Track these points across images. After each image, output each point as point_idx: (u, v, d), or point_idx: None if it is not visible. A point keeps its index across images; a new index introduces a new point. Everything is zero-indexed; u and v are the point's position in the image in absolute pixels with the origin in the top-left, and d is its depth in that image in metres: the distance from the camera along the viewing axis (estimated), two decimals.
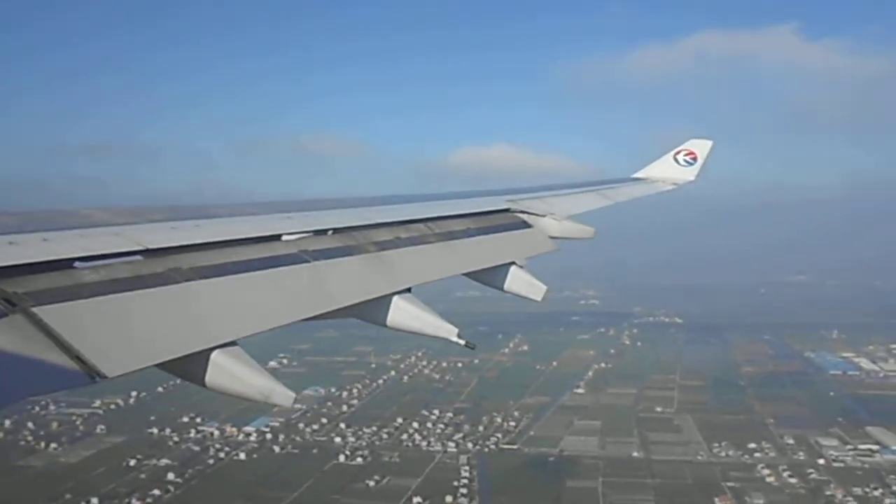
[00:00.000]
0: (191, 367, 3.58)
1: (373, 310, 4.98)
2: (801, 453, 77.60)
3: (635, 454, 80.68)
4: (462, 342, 5.19)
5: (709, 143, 13.89)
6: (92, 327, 3.25)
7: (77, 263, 3.61)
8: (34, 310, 3.13)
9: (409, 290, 5.20)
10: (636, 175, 13.38)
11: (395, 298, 5.01)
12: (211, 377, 3.61)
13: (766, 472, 72.46)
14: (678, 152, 13.62)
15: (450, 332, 5.07)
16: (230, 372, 3.62)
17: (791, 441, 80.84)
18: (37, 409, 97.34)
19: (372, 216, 5.96)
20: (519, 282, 6.53)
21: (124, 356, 3.27)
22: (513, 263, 6.58)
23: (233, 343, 3.70)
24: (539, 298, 6.57)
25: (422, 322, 5.08)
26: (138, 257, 3.93)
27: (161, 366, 3.47)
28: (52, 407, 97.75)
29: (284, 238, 4.98)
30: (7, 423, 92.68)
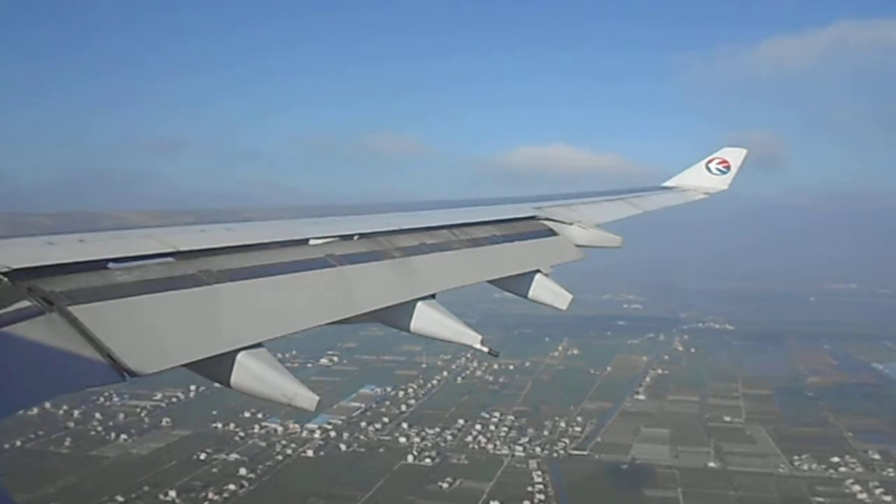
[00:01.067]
0: (217, 367, 3.64)
1: (397, 315, 5.00)
2: (889, 469, 75.69)
3: (711, 464, 79.34)
4: (485, 349, 5.21)
5: (743, 152, 13.44)
6: (124, 327, 3.32)
7: (111, 264, 3.69)
8: (70, 308, 3.21)
9: (433, 296, 5.20)
10: (666, 184, 13.07)
11: (419, 304, 5.01)
12: (236, 378, 3.67)
13: (857, 488, 70.73)
14: (710, 160, 13.22)
15: (473, 339, 5.06)
16: (255, 374, 3.67)
17: (877, 456, 78.96)
18: (101, 399, 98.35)
19: (398, 222, 5.98)
20: (544, 290, 6.47)
21: (154, 355, 3.34)
22: (538, 271, 6.54)
23: (258, 345, 3.76)
24: (564, 307, 6.52)
25: (445, 328, 5.07)
26: (169, 259, 4.00)
27: (189, 366, 3.53)
28: (115, 398, 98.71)
29: (312, 242, 5.05)
30: (76, 413, 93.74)
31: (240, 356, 3.68)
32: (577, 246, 7.70)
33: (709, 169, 13.19)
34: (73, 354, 3.06)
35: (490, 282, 6.32)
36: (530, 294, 6.54)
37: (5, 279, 3.21)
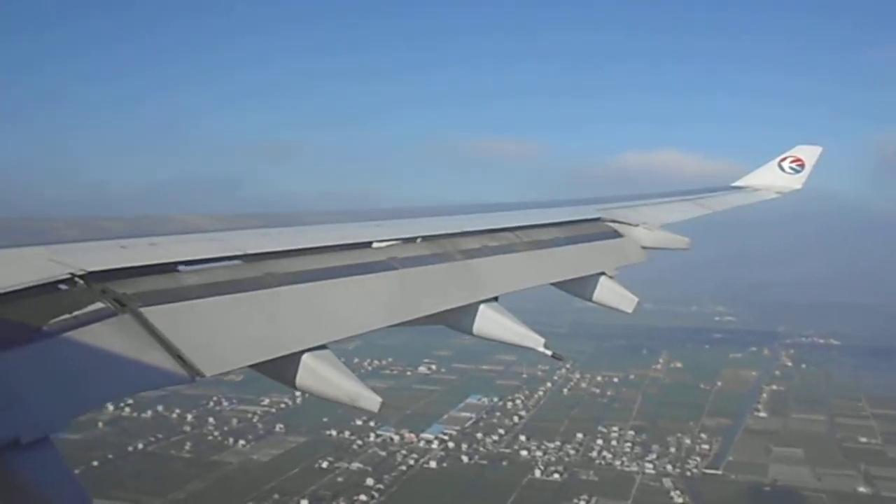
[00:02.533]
0: (283, 369, 3.67)
1: (460, 317, 4.99)
2: None
3: (861, 489, 74.47)
4: (549, 353, 5.12)
5: (818, 150, 12.97)
6: (193, 328, 3.39)
7: (181, 267, 3.76)
8: (141, 310, 3.28)
9: (496, 298, 5.14)
10: (736, 183, 12.56)
11: (482, 307, 4.99)
12: (301, 379, 3.69)
13: None
14: (783, 159, 12.74)
15: (536, 342, 5.02)
16: (320, 375, 3.68)
17: None
18: (211, 404, 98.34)
19: (460, 224, 5.92)
20: (609, 293, 6.33)
21: (221, 356, 3.38)
22: (602, 274, 6.38)
23: (323, 347, 3.77)
24: (630, 311, 6.37)
25: (508, 331, 5.02)
26: (236, 262, 4.06)
27: (255, 366, 3.57)
28: (224, 403, 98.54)
29: (375, 245, 5.02)
30: (189, 417, 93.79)
31: (304, 357, 3.69)
32: (643, 248, 7.47)
33: (782, 167, 12.71)
34: (145, 355, 3.11)
35: (553, 284, 6.18)
36: (595, 297, 6.40)
37: (81, 281, 3.27)
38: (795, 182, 12.68)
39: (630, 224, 7.73)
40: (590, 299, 6.48)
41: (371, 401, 3.77)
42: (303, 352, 3.70)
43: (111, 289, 3.33)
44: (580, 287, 6.42)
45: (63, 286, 3.26)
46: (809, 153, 12.93)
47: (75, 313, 3.10)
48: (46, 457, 2.55)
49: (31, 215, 4.89)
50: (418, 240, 5.41)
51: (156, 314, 3.32)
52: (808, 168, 12.73)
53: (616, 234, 7.46)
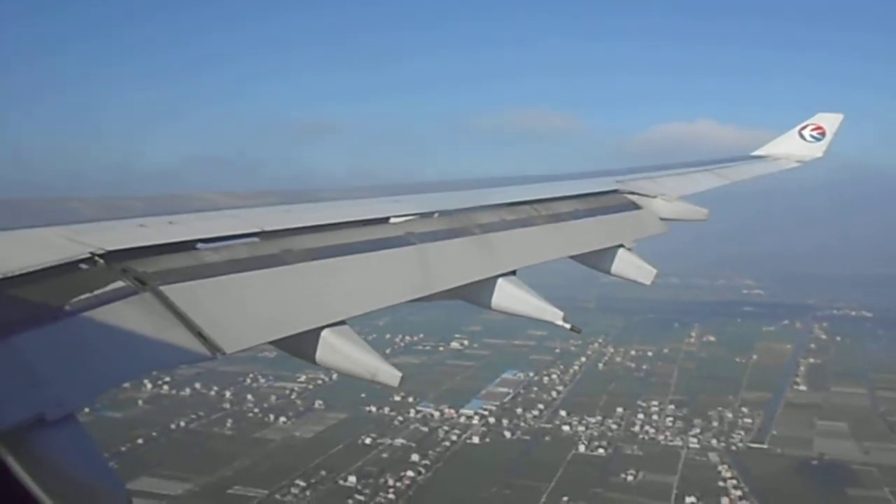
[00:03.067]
0: (302, 344, 3.69)
1: (478, 292, 5.01)
2: None
3: None
4: (568, 326, 5.13)
5: (839, 117, 12.69)
6: (213, 305, 3.39)
7: (199, 245, 3.77)
8: (162, 288, 3.29)
9: (514, 272, 5.13)
10: (756, 152, 12.35)
11: (500, 281, 5.00)
12: (321, 354, 3.71)
13: None
14: (804, 127, 12.50)
15: (555, 315, 5.01)
16: (339, 350, 3.71)
17: None
18: (247, 381, 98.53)
19: (478, 198, 5.96)
20: (627, 265, 6.32)
21: (242, 333, 3.40)
22: (621, 246, 6.37)
23: (342, 322, 3.78)
24: (648, 282, 6.36)
25: (527, 305, 5.02)
26: (255, 239, 4.06)
27: (275, 343, 3.59)
28: (262, 380, 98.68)
29: (392, 220, 5.01)
30: (228, 394, 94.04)
31: (324, 333, 3.70)
32: (662, 219, 7.39)
33: (802, 136, 12.48)
34: (166, 333, 3.13)
35: (572, 257, 6.15)
36: (613, 269, 6.37)
37: (101, 261, 3.29)
38: (816, 150, 12.44)
39: (648, 196, 7.63)
40: (608, 272, 6.44)
41: (391, 375, 3.81)
42: (322, 328, 3.71)
43: (131, 267, 3.34)
44: (598, 260, 6.40)
45: (83, 265, 3.26)
46: (830, 121, 12.66)
47: (96, 292, 3.10)
48: (73, 433, 2.53)
49: (51, 195, 4.79)
50: (436, 214, 5.38)
51: (176, 292, 3.33)
52: (828, 136, 12.51)
53: (634, 206, 7.38)
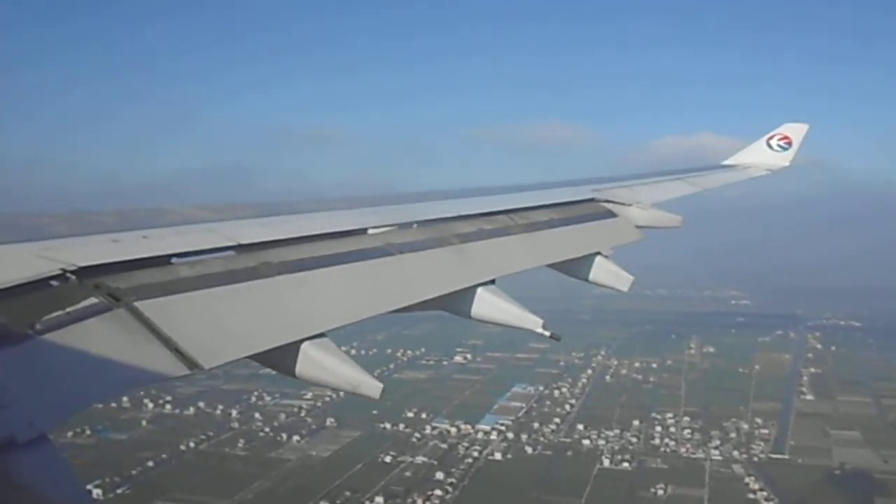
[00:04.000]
0: (282, 358, 3.65)
1: (458, 302, 5.00)
2: None
3: None
4: (547, 333, 5.10)
5: (805, 127, 13.17)
6: (189, 321, 3.35)
7: (174, 259, 3.72)
8: (136, 304, 3.24)
9: (492, 281, 5.16)
10: (726, 162, 12.69)
11: (480, 290, 5.01)
12: (301, 368, 3.66)
13: None
14: (771, 137, 12.90)
15: (535, 323, 5.00)
16: (320, 363, 3.66)
17: None
18: (253, 399, 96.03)
19: (455, 208, 5.94)
20: (604, 272, 6.39)
21: (219, 348, 3.35)
22: (598, 254, 6.45)
23: (321, 335, 3.74)
24: (626, 289, 6.42)
25: (506, 313, 5.04)
26: (231, 252, 4.02)
27: (254, 357, 3.55)
28: (267, 398, 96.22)
29: (370, 231, 5.01)
30: (234, 412, 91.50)
31: (304, 346, 3.65)
32: (637, 227, 7.49)
33: (770, 145, 12.89)
34: (142, 349, 3.08)
35: (550, 265, 6.18)
36: (591, 277, 6.44)
37: (73, 277, 3.22)
38: (783, 159, 12.78)
39: (624, 204, 7.72)
40: (586, 279, 6.50)
41: (372, 387, 3.75)
42: (302, 340, 3.66)
43: (105, 283, 3.27)
44: (576, 268, 6.43)
45: (55, 282, 3.18)
46: (796, 131, 13.08)
47: (68, 309, 3.04)
48: (44, 455, 2.50)
49: (20, 211, 4.77)
50: (414, 225, 5.39)
51: (151, 308, 3.27)
52: (795, 145, 12.87)
53: (610, 214, 7.46)
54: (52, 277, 3.19)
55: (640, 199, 8.03)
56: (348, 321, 4.07)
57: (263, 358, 3.63)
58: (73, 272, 3.25)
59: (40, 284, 3.12)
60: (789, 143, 12.96)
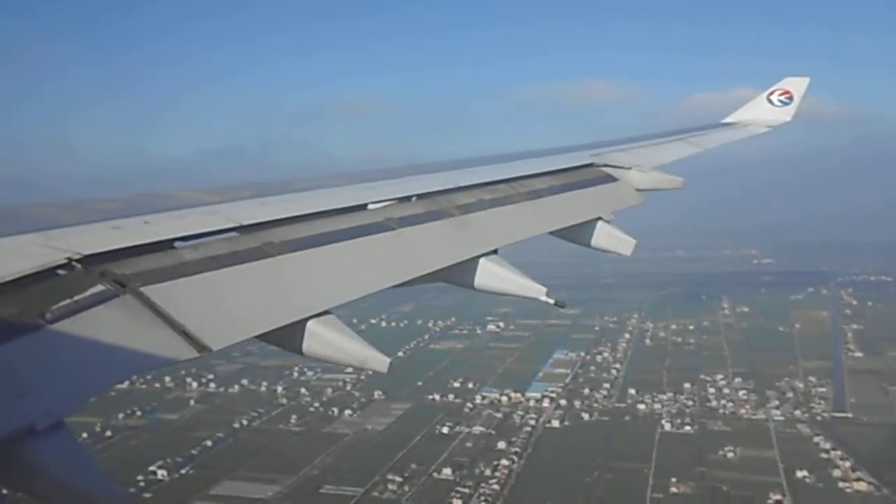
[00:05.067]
0: (289, 337, 3.68)
1: (460, 273, 4.99)
2: None
3: None
4: (552, 301, 5.04)
5: (805, 81, 12.85)
6: (195, 304, 3.37)
7: (177, 243, 3.74)
8: (142, 289, 3.27)
9: (495, 251, 5.16)
10: (726, 119, 12.50)
11: (482, 261, 5.01)
12: (308, 346, 3.70)
13: None
14: (772, 92, 12.59)
15: (539, 291, 4.98)
16: (326, 340, 3.70)
17: None
18: (294, 374, 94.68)
19: (454, 179, 5.94)
20: (606, 237, 6.38)
21: (226, 329, 3.37)
22: (599, 219, 6.41)
23: (327, 312, 3.77)
24: (628, 253, 6.40)
25: (510, 283, 5.03)
26: (233, 234, 4.03)
27: (261, 337, 3.57)
28: (309, 373, 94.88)
29: (370, 207, 5.03)
30: (279, 389, 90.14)
31: (309, 324, 3.69)
32: (638, 190, 7.38)
33: (770, 101, 12.57)
34: (151, 333, 3.11)
35: (552, 233, 6.15)
36: (593, 242, 6.37)
37: (79, 265, 3.26)
38: (785, 115, 12.49)
39: (623, 167, 7.64)
40: (588, 245, 6.42)
41: (380, 362, 3.77)
42: (307, 318, 3.68)
43: (110, 270, 3.30)
44: (578, 234, 6.38)
45: (61, 271, 3.22)
46: (797, 85, 12.78)
47: (76, 298, 3.08)
48: (62, 441, 2.55)
49: (25, 202, 4.73)
50: (413, 198, 5.35)
51: (157, 292, 3.30)
52: (796, 100, 12.57)
53: (610, 179, 7.41)
54: (59, 267, 3.19)
55: (639, 162, 7.87)
56: (352, 297, 4.03)
57: (270, 337, 3.61)
58: (78, 261, 3.25)
59: (47, 274, 3.13)
60: (790, 98, 12.63)
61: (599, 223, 6.37)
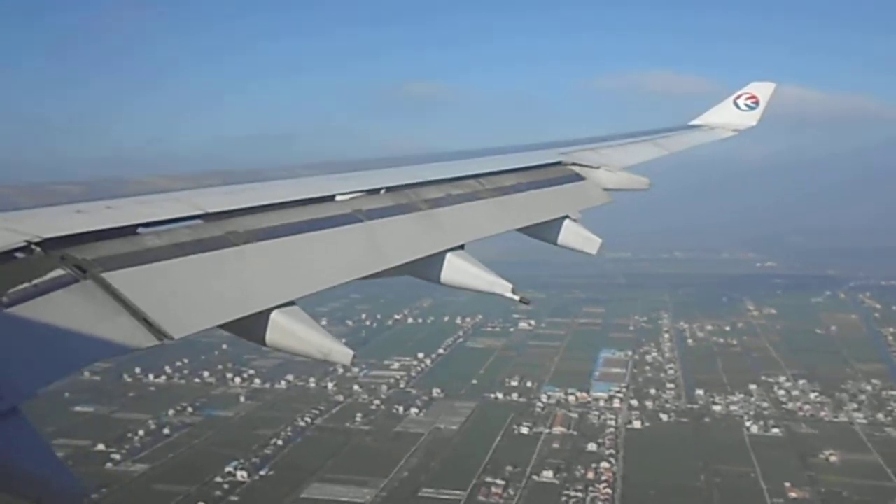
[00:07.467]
0: (252, 327, 3.62)
1: (427, 267, 4.91)
2: None
3: None
4: (517, 297, 4.97)
5: (772, 86, 13.00)
6: (157, 291, 3.30)
7: (140, 229, 3.67)
8: (103, 275, 3.17)
9: (461, 246, 5.07)
10: (693, 122, 12.45)
11: (449, 255, 4.93)
12: (271, 336, 3.64)
13: None
14: (738, 96, 12.69)
15: (504, 287, 4.90)
16: (290, 331, 3.64)
17: None
18: (339, 371, 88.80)
19: (424, 174, 5.86)
20: (573, 236, 6.27)
21: (189, 318, 3.30)
22: (566, 217, 6.32)
23: (291, 303, 3.70)
24: (594, 252, 6.31)
25: (476, 278, 4.96)
26: (198, 221, 3.94)
27: (223, 326, 3.50)
28: (355, 369, 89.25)
29: (338, 198, 4.92)
30: (330, 385, 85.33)
31: (273, 315, 3.62)
32: (605, 190, 7.37)
33: (737, 105, 12.69)
34: (110, 320, 3.02)
35: (519, 230, 6.10)
36: (560, 240, 6.24)
37: (38, 249, 3.16)
38: (751, 119, 12.55)
39: (591, 167, 7.54)
40: (555, 243, 6.28)
41: (343, 354, 3.69)
42: (271, 309, 3.59)
43: (70, 255, 3.17)
44: (545, 231, 6.25)
45: (20, 254, 3.12)
46: (763, 90, 12.84)
47: (35, 282, 2.97)
48: (17, 428, 2.47)
49: None
50: (382, 191, 5.22)
51: (118, 278, 3.18)
52: (762, 104, 12.64)
53: (578, 177, 7.29)
54: (17, 249, 3.09)
55: (607, 162, 7.82)
56: (317, 289, 3.92)
57: (233, 327, 3.51)
58: (38, 244, 3.13)
59: (5, 257, 3.03)
60: (756, 102, 12.67)
61: (566, 222, 6.24)
